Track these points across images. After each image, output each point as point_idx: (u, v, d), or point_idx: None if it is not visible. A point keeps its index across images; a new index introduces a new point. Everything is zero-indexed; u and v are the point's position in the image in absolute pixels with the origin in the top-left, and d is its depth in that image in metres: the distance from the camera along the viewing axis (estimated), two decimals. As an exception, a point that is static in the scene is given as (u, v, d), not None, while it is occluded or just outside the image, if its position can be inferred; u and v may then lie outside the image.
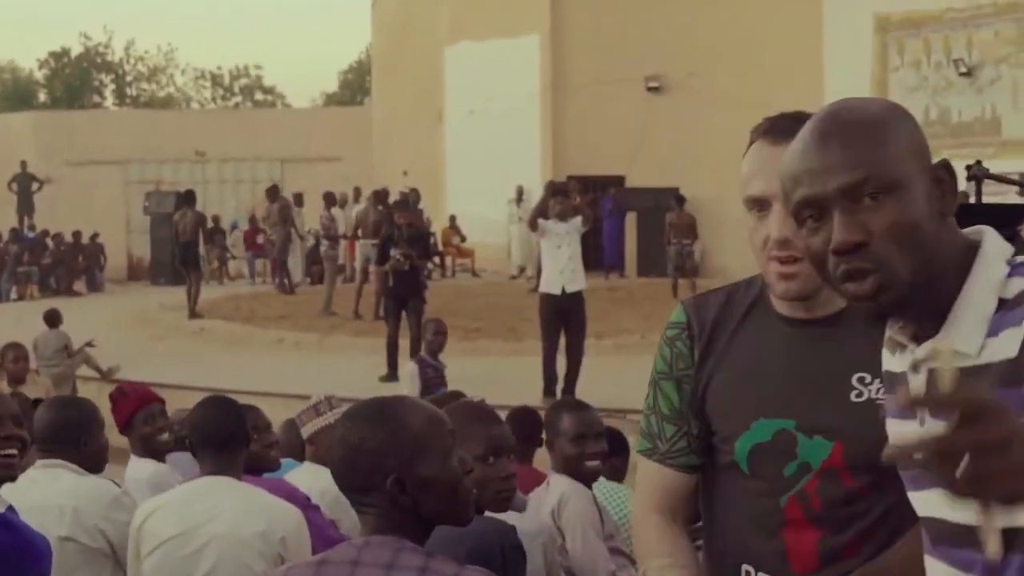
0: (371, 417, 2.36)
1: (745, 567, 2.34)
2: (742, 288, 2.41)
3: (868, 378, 2.20)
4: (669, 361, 2.41)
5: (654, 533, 2.44)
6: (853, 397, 2.22)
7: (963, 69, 22.25)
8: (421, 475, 2.32)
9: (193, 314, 19.50)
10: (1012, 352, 1.66)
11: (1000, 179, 6.13)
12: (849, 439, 2.21)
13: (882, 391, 2.05)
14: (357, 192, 25.74)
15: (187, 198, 20.91)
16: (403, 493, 2.31)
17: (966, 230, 1.80)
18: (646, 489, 2.49)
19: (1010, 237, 2.17)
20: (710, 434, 2.40)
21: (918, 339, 1.75)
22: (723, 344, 2.36)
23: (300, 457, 5.46)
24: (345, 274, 22.98)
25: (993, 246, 1.77)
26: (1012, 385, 1.64)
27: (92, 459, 4.42)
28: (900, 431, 1.81)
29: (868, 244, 1.70)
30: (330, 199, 22.90)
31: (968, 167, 5.26)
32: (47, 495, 4.14)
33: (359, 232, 20.60)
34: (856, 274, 1.71)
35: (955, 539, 1.72)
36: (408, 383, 10.91)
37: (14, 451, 3.35)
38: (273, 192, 24.43)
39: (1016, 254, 1.79)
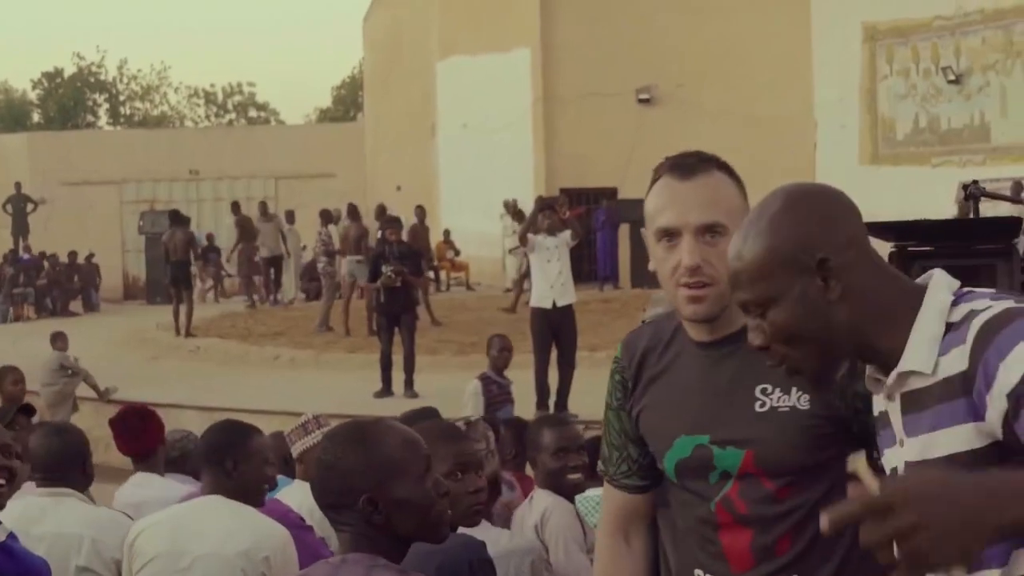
0: (348, 437, 2.45)
1: (696, 571, 2.52)
2: (666, 320, 2.61)
3: (769, 388, 2.40)
4: (611, 393, 2.65)
5: (607, 556, 2.70)
6: (757, 408, 2.40)
7: (951, 77, 22.36)
8: (394, 495, 2.39)
9: (188, 333, 19.60)
10: (962, 366, 1.92)
11: (994, 196, 6.30)
12: (758, 447, 2.39)
13: (784, 400, 2.37)
14: (352, 208, 25.82)
15: (176, 218, 21.00)
16: (376, 512, 2.39)
17: (921, 276, 2.08)
18: (605, 510, 2.74)
19: (1008, 251, 2.31)
20: (651, 456, 2.61)
21: (887, 372, 2.04)
22: (650, 373, 2.56)
23: (290, 474, 5.52)
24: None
25: (940, 281, 2.05)
26: (962, 395, 1.92)
27: (88, 483, 4.52)
28: (888, 458, 2.08)
29: (768, 347, 2.06)
30: (326, 216, 23.01)
31: (964, 186, 5.40)
32: (62, 524, 4.21)
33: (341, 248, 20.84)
34: (783, 368, 2.09)
35: None
36: (471, 401, 10.43)
37: (3, 481, 3.45)
38: (234, 208, 24.68)
39: (963, 285, 2.05)
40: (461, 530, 3.28)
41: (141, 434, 5.58)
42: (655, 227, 2.45)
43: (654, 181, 2.50)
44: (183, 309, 19.83)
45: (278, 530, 4.04)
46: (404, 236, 20.61)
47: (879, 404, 2.12)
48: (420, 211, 22.80)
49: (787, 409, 2.39)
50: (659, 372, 2.55)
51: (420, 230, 21.95)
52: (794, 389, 2.37)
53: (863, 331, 2.04)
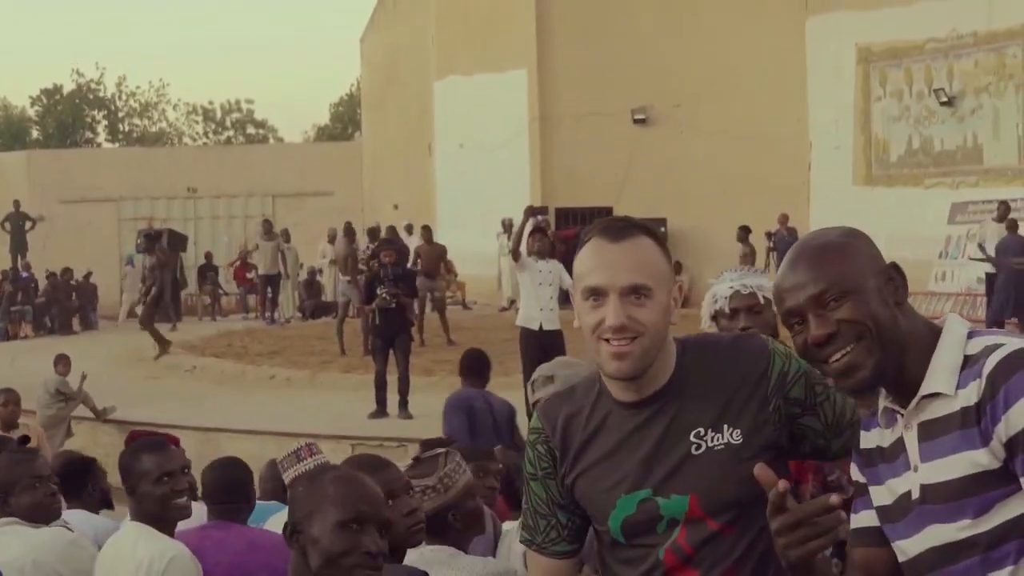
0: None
1: None
2: (583, 386, 2.70)
3: (702, 431, 2.53)
4: (533, 463, 2.71)
5: None
6: (693, 451, 2.52)
7: (944, 99, 22.48)
8: (309, 532, 2.69)
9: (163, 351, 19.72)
10: (974, 399, 2.20)
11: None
12: (700, 489, 2.51)
13: (717, 439, 2.51)
14: (348, 226, 25.94)
15: (152, 240, 21.04)
16: (295, 542, 2.70)
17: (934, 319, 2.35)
18: (532, 573, 2.82)
19: None
20: (584, 519, 2.69)
21: (904, 406, 2.30)
22: (579, 439, 2.63)
23: (283, 499, 5.62)
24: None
25: (955, 318, 2.34)
26: (975, 424, 2.19)
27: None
28: (895, 485, 2.32)
29: (836, 333, 2.25)
30: (333, 235, 23.14)
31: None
32: (11, 550, 4.33)
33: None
34: (837, 364, 2.27)
35: (951, 558, 2.24)
36: None
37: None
38: (149, 233, 24.99)
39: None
40: (420, 554, 3.50)
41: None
42: (582, 286, 2.54)
43: (583, 243, 2.60)
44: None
45: (170, 545, 4.10)
46: (412, 256, 20.86)
47: (882, 437, 2.36)
48: (426, 231, 22.83)
49: (722, 447, 2.51)
50: (588, 437, 2.62)
51: (430, 249, 21.97)
52: (726, 427, 2.51)
53: (904, 347, 2.27)
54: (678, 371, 2.57)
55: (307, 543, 2.67)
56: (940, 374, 2.25)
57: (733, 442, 2.51)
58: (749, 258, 21.10)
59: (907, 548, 2.30)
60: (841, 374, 2.27)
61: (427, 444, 4.47)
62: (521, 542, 2.80)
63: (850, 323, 2.25)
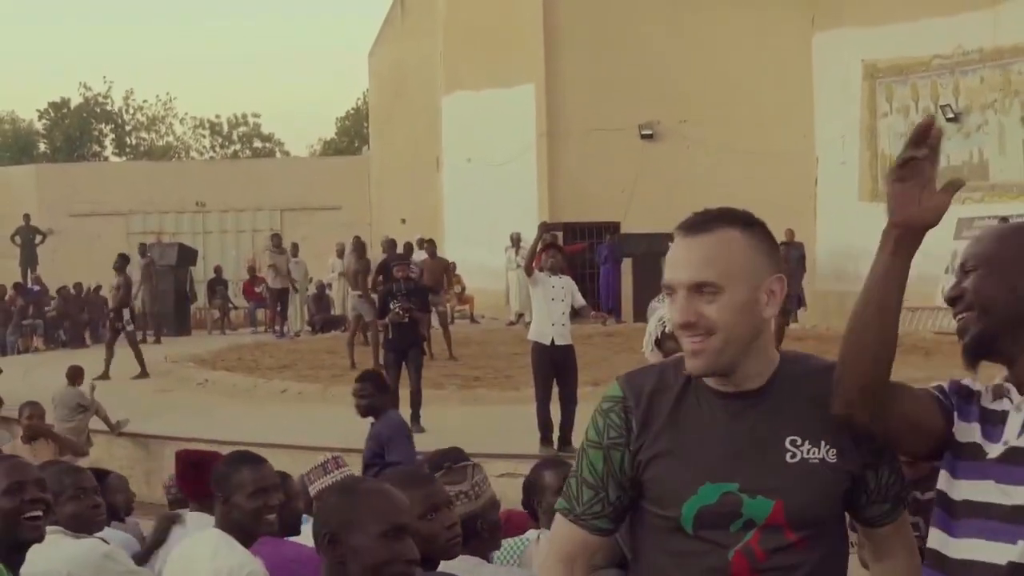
0: (339, 484, 2.96)
1: None
2: (672, 366, 2.63)
3: (799, 440, 2.50)
4: (601, 431, 2.61)
5: None
6: (788, 458, 2.48)
7: (950, 115, 22.61)
8: (351, 542, 2.80)
9: (143, 373, 19.80)
10: None
11: None
12: (788, 496, 2.47)
13: (814, 452, 2.49)
14: (358, 241, 26.05)
15: (124, 259, 21.13)
16: (333, 551, 2.81)
17: None
18: (557, 541, 2.72)
19: None
20: (630, 500, 2.63)
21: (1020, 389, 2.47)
22: (664, 418, 2.55)
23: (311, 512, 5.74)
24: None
25: None
26: None
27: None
28: (981, 443, 2.48)
29: (959, 297, 2.57)
30: (342, 249, 23.30)
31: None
32: (50, 561, 4.45)
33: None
34: (956, 322, 2.60)
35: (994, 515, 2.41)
36: None
37: (39, 513, 3.73)
38: (141, 250, 25.00)
39: None
40: (444, 564, 3.60)
41: (203, 475, 5.85)
42: (663, 281, 2.56)
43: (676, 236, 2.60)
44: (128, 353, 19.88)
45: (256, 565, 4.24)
46: (416, 271, 21.00)
47: (995, 404, 2.52)
48: (430, 245, 22.98)
49: (817, 462, 2.48)
50: (675, 418, 2.55)
51: (433, 264, 22.12)
52: (823, 443, 2.49)
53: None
54: (779, 375, 2.52)
55: (346, 552, 2.78)
56: None
57: (829, 460, 2.48)
58: None
59: (955, 547, 2.46)
60: (957, 332, 2.56)
61: (446, 456, 4.59)
62: (557, 509, 2.71)
63: (972, 292, 2.52)
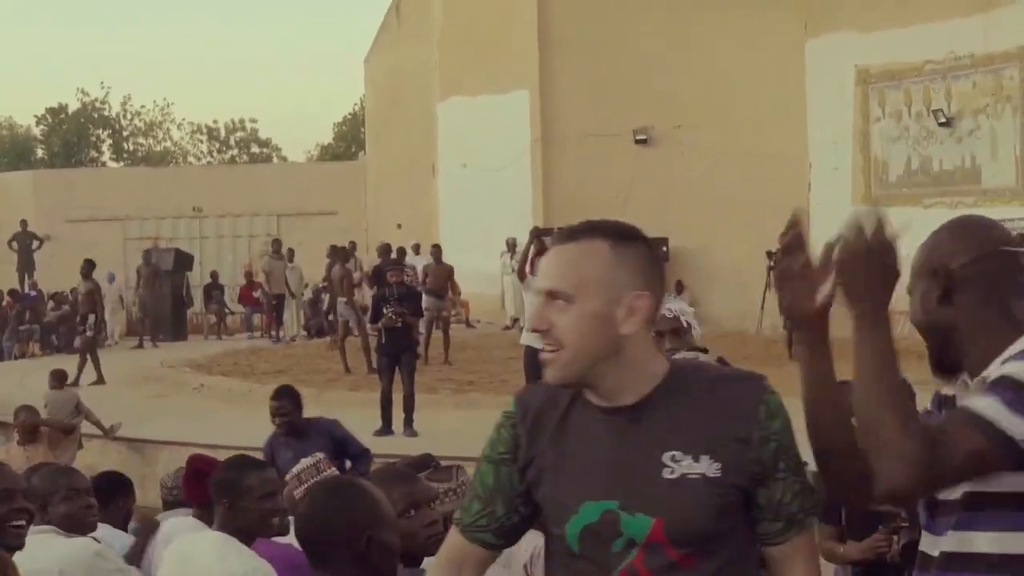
0: (335, 491, 3.14)
1: None
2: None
3: (679, 455, 2.41)
4: (494, 445, 2.60)
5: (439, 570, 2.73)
6: (666, 475, 2.40)
7: (943, 120, 22.69)
8: (382, 539, 2.98)
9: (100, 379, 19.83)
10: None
11: None
12: (667, 514, 2.39)
13: (694, 468, 2.39)
14: (353, 246, 26.18)
15: (91, 265, 21.16)
16: (369, 546, 2.96)
17: None
18: (447, 545, 2.73)
19: None
20: (521, 520, 2.62)
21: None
22: (549, 435, 2.51)
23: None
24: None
25: None
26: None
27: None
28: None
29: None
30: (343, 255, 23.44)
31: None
32: (41, 560, 4.54)
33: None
34: None
35: None
36: None
37: (23, 522, 3.90)
38: (146, 257, 25.07)
39: None
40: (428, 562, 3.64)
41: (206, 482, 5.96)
42: None
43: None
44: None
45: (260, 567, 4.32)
46: (421, 276, 21.14)
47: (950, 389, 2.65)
48: (436, 250, 23.04)
49: (697, 476, 2.39)
50: (559, 434, 2.51)
51: (438, 269, 22.24)
52: (704, 457, 2.40)
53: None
54: (662, 389, 2.45)
55: (382, 543, 2.95)
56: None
57: (709, 475, 2.40)
58: None
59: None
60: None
61: (418, 463, 4.68)
62: (452, 521, 2.73)
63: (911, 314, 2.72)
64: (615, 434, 2.46)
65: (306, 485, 5.59)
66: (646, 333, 2.48)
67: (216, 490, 4.42)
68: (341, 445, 8.79)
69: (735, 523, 2.45)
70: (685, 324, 4.45)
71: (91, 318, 20.56)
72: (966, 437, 2.35)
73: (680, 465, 2.41)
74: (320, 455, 5.81)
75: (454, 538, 2.68)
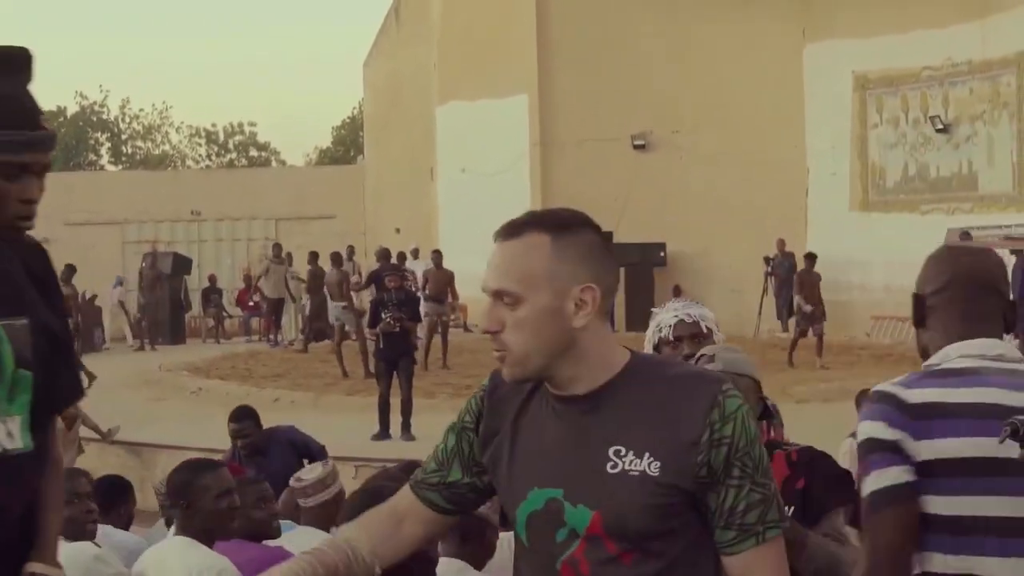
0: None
1: None
2: None
3: (623, 450, 2.36)
4: (462, 412, 2.61)
5: (369, 513, 2.71)
6: (608, 468, 2.36)
7: (940, 126, 22.79)
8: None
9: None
10: None
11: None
12: (606, 508, 2.35)
13: (635, 464, 2.34)
14: (351, 250, 26.23)
15: (69, 273, 21.15)
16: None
17: None
18: (391, 501, 2.71)
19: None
20: (472, 493, 2.62)
21: None
22: (510, 419, 2.51)
23: (296, 519, 5.86)
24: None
25: None
26: None
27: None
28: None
29: None
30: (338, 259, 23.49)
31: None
32: None
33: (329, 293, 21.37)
34: None
35: None
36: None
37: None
38: (150, 261, 25.06)
39: None
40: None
41: None
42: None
43: None
44: None
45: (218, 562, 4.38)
46: (421, 281, 21.19)
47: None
48: (437, 256, 23.09)
49: (637, 473, 2.34)
50: (517, 419, 2.50)
51: (439, 274, 22.30)
52: (647, 454, 2.35)
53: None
54: (615, 382, 2.40)
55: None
56: None
57: (649, 473, 2.33)
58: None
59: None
60: None
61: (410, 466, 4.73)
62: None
63: None
64: (566, 424, 2.42)
65: (314, 498, 5.65)
66: (600, 323, 2.41)
67: (171, 494, 4.49)
68: (303, 449, 8.82)
69: (681, 525, 2.37)
70: (705, 329, 4.44)
71: (69, 322, 20.58)
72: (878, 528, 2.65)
73: (623, 460, 2.36)
74: (328, 468, 5.85)
75: (403, 492, 2.67)
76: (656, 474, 2.33)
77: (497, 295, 2.39)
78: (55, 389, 2.80)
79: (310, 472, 5.79)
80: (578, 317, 2.37)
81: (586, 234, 2.42)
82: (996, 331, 2.75)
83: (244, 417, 8.71)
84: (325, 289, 21.83)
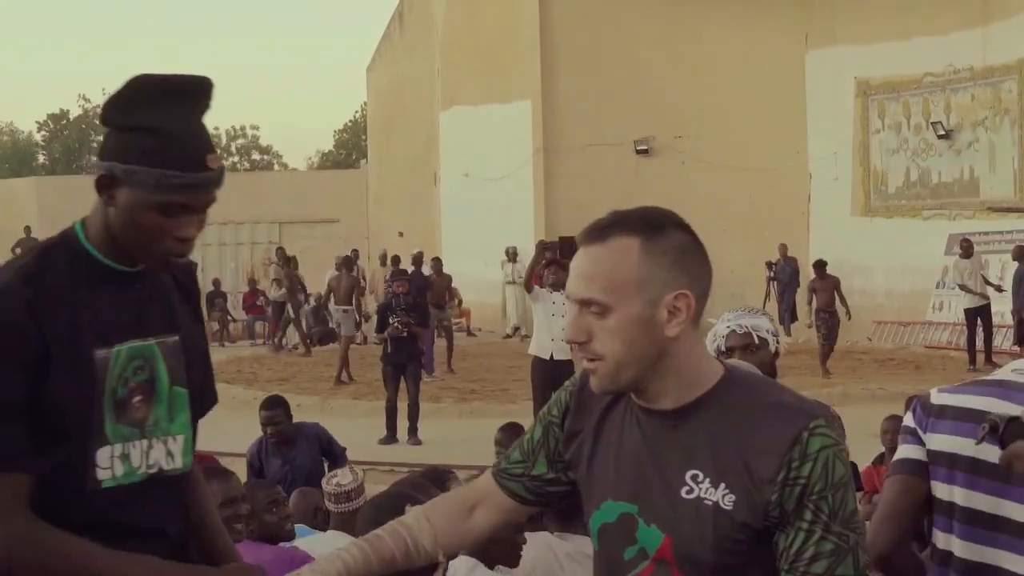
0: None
1: None
2: None
3: (700, 476, 2.22)
4: (551, 405, 2.50)
5: (440, 498, 2.65)
6: (684, 493, 2.22)
7: (941, 132, 22.88)
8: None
9: None
10: None
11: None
12: (677, 533, 2.23)
13: (711, 493, 2.19)
14: (355, 254, 26.32)
15: None
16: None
17: None
18: (469, 486, 2.69)
19: None
20: (557, 491, 2.51)
21: None
22: (595, 421, 2.40)
23: (313, 524, 5.96)
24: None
25: None
26: None
27: None
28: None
29: None
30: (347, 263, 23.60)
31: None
32: None
33: (332, 297, 21.46)
34: None
35: None
36: None
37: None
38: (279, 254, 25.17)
39: None
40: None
41: None
42: None
43: None
44: None
45: None
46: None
47: None
48: (436, 263, 23.22)
49: (711, 504, 2.19)
50: (600, 423, 2.39)
51: (440, 281, 22.44)
52: (722, 485, 2.20)
53: None
54: (704, 400, 2.25)
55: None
56: None
57: (723, 506, 2.19)
58: None
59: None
60: None
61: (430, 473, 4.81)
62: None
63: None
64: (647, 437, 2.29)
65: (344, 505, 5.75)
66: (693, 333, 2.26)
67: None
68: (327, 447, 8.93)
69: (754, 561, 2.21)
70: (757, 340, 4.50)
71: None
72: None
73: (699, 487, 2.22)
74: (361, 478, 5.96)
75: (483, 479, 2.58)
76: (729, 508, 2.18)
77: (584, 303, 2.23)
78: (202, 403, 2.79)
79: (344, 477, 5.88)
80: (671, 326, 2.21)
81: (678, 235, 2.25)
82: None
83: (275, 405, 8.80)
84: (328, 292, 21.95)
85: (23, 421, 2.42)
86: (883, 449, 8.21)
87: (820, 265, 19.52)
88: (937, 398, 3.03)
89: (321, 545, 5.14)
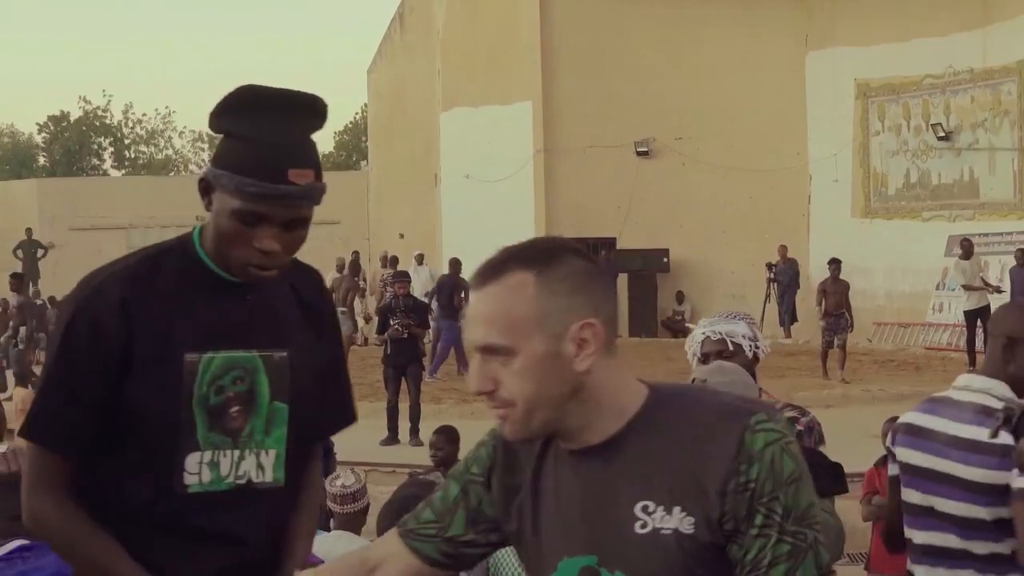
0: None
1: None
2: None
3: (651, 506, 2.03)
4: (467, 463, 2.28)
5: (338, 560, 2.47)
6: (638, 528, 2.04)
7: (941, 133, 22.92)
8: None
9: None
10: None
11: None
12: (642, 573, 2.04)
13: (667, 521, 2.02)
14: (356, 255, 26.34)
15: (20, 279, 21.08)
16: None
17: None
18: (371, 546, 2.45)
19: None
20: (471, 553, 2.30)
21: None
22: (528, 478, 2.19)
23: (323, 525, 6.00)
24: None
25: None
26: None
27: None
28: None
29: None
30: (342, 264, 23.54)
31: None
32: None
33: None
34: None
35: None
36: None
37: None
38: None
39: None
40: None
41: None
42: None
43: None
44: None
45: None
46: (434, 287, 21.27)
47: None
48: (455, 264, 22.91)
49: (670, 532, 2.01)
50: (535, 480, 2.18)
51: (462, 282, 22.44)
52: (676, 509, 2.01)
53: None
54: (635, 425, 2.07)
55: None
56: None
57: (683, 531, 2.00)
58: None
59: None
60: None
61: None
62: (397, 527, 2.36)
63: None
64: (583, 480, 2.09)
65: (347, 507, 5.81)
66: (607, 360, 2.05)
67: None
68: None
69: None
70: (731, 346, 4.45)
71: (22, 330, 20.44)
72: None
73: (652, 518, 2.03)
74: (362, 481, 6.01)
75: (386, 538, 2.34)
76: (691, 531, 2.00)
77: (486, 350, 2.03)
78: (317, 420, 2.73)
79: (348, 479, 5.92)
80: (580, 360, 2.02)
81: (574, 262, 2.05)
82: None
83: None
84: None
85: (84, 410, 2.47)
86: (884, 451, 8.22)
87: (835, 264, 19.02)
88: (905, 416, 3.83)
89: (326, 545, 5.16)
